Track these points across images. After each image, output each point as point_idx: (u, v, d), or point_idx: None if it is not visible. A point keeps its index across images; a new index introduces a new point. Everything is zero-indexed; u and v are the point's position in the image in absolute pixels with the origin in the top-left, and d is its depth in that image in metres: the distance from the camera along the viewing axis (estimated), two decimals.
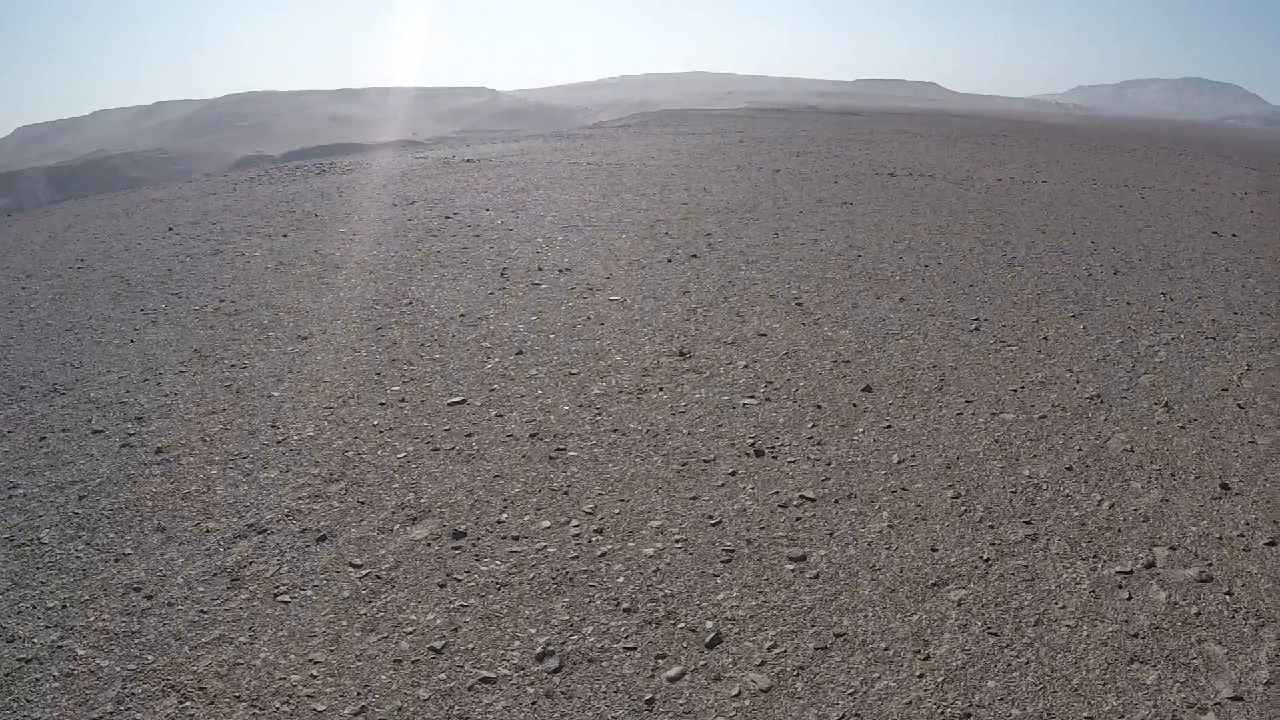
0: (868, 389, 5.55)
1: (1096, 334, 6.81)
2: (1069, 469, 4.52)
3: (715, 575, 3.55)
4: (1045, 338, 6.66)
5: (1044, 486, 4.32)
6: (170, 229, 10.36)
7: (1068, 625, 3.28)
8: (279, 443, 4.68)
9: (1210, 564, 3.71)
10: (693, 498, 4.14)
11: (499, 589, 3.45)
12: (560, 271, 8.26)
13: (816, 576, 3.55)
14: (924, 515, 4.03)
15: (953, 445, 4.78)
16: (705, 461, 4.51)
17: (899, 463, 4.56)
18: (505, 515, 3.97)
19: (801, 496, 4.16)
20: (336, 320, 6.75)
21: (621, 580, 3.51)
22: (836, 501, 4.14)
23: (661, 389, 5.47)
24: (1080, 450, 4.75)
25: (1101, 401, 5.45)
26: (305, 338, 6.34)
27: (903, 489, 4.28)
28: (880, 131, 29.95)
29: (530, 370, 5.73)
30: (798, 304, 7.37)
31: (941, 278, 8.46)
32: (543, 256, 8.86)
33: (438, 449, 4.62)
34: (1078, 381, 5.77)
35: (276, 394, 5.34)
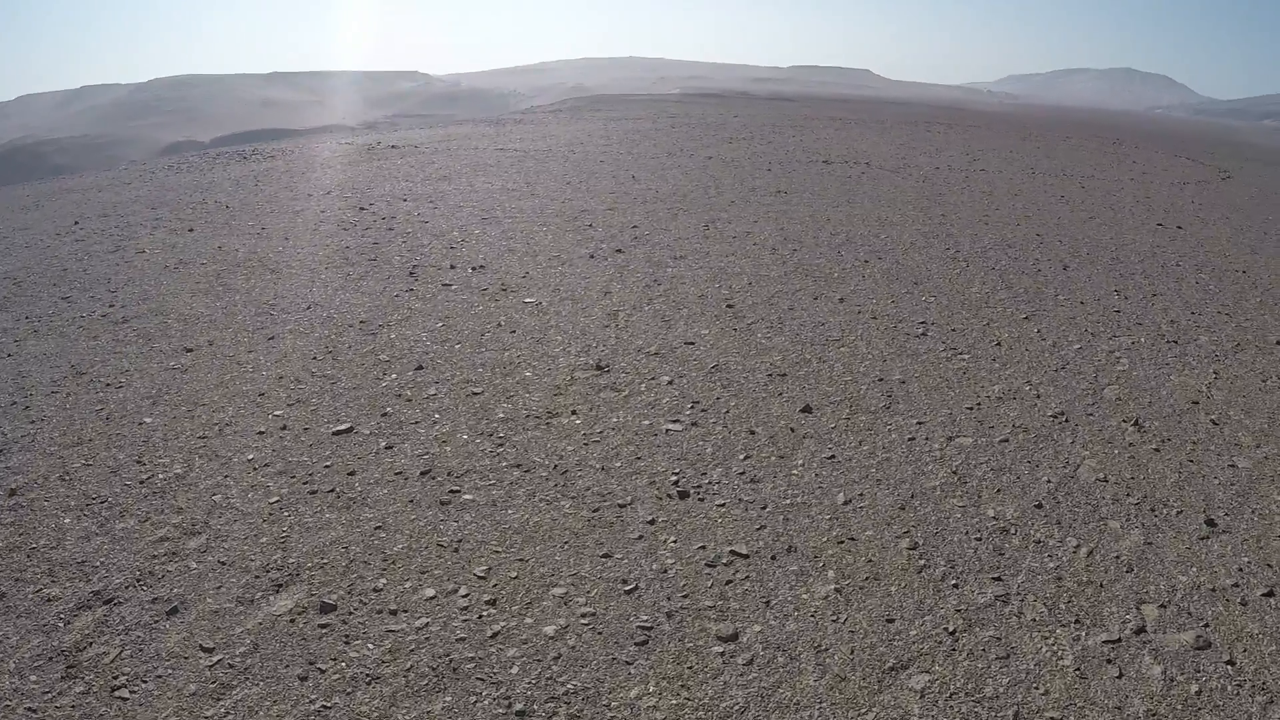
0: (807, 409, 4.96)
1: (1052, 338, 6.31)
2: (1038, 506, 3.98)
3: (628, 663, 2.92)
4: (998, 343, 6.14)
5: (1012, 530, 3.76)
6: (76, 222, 9.53)
7: (1052, 718, 2.72)
8: (142, 483, 3.98)
9: (1206, 624, 3.20)
10: (604, 555, 3.50)
11: (369, 683, 2.80)
12: (474, 270, 7.58)
13: (750, 662, 2.93)
14: (877, 573, 3.44)
15: (906, 479, 4.20)
16: (620, 506, 3.87)
17: (845, 504, 3.96)
18: (383, 581, 3.31)
19: (733, 552, 3.54)
20: (227, 329, 6.03)
21: (515, 671, 2.87)
22: (774, 558, 3.52)
23: (574, 411, 4.83)
24: (1049, 482, 4.21)
25: (1066, 420, 4.93)
26: (191, 350, 5.62)
27: (851, 539, 3.68)
28: (814, 118, 29.70)
29: (429, 389, 5.06)
30: (729, 306, 6.77)
31: (883, 274, 7.94)
32: (456, 252, 8.18)
33: (315, 491, 3.95)
34: (1038, 396, 5.25)
35: (149, 420, 4.62)
